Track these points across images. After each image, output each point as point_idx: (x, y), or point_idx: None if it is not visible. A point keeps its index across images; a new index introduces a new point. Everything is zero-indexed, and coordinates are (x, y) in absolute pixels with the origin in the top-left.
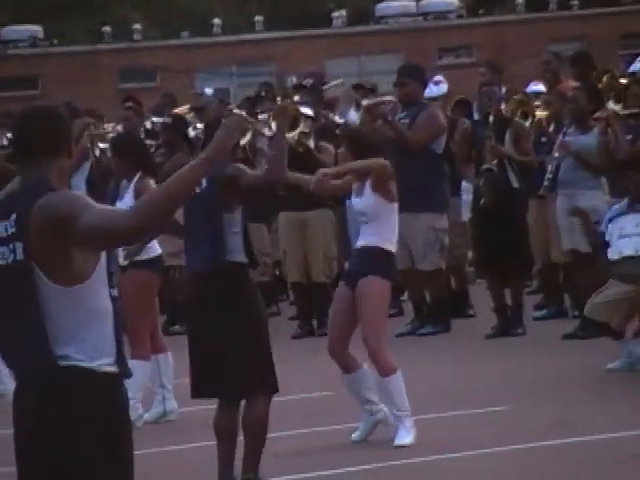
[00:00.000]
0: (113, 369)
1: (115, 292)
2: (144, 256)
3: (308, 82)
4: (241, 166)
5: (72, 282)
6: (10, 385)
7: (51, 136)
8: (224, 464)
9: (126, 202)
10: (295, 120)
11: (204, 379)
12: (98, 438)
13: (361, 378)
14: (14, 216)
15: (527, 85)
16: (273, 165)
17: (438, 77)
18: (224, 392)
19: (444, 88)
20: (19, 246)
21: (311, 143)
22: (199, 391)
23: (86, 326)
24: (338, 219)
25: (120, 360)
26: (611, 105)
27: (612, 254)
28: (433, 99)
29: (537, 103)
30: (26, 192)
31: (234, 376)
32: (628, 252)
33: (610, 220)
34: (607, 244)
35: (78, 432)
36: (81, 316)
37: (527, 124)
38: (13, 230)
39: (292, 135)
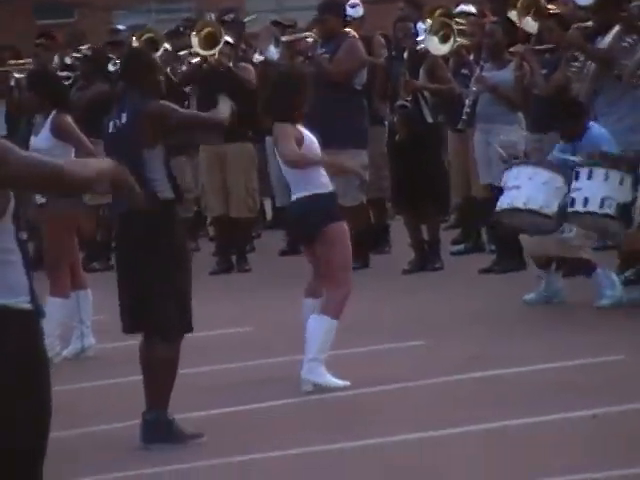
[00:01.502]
0: (28, 306)
1: (24, 235)
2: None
3: (229, 17)
4: (166, 103)
5: None
6: None
7: None
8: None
9: (42, 138)
10: (215, 40)
11: (129, 314)
12: (15, 375)
13: None
14: None
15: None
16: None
17: (354, 0)
18: (146, 328)
19: (360, 11)
20: None
21: (230, 64)
22: (125, 327)
23: None
24: (259, 156)
25: (33, 299)
26: (529, 21)
27: (498, 206)
28: (349, 21)
29: (461, 22)
30: None
31: (150, 313)
32: (504, 205)
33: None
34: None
35: None
36: None
37: (446, 47)
38: None
39: (212, 52)
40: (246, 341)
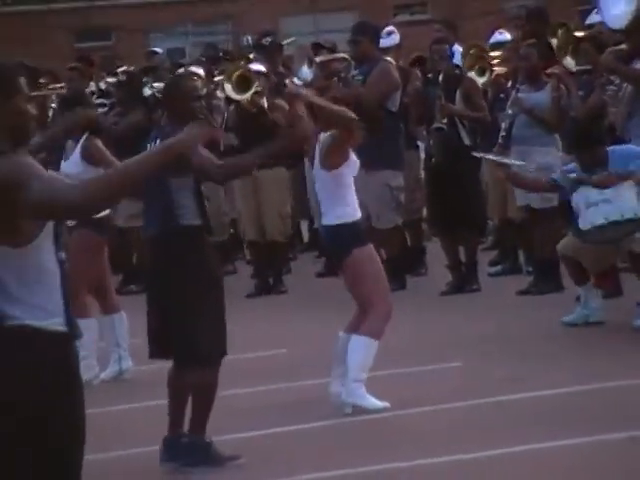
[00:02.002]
0: (62, 328)
1: (62, 255)
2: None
3: (267, 40)
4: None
5: (16, 243)
6: None
7: None
8: (173, 421)
9: (72, 162)
10: (247, 81)
11: (158, 341)
12: (48, 397)
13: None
14: None
15: (492, 34)
16: (232, 170)
17: (389, 28)
18: (175, 354)
19: (396, 38)
20: None
21: (264, 102)
22: (153, 352)
23: (33, 288)
24: (293, 178)
25: (69, 321)
26: (568, 60)
27: (583, 224)
28: (385, 50)
29: (496, 54)
30: None
31: (184, 339)
32: (599, 221)
33: (573, 190)
34: (571, 208)
35: (26, 390)
36: (27, 278)
37: (484, 80)
38: None
39: (245, 97)
40: (282, 363)
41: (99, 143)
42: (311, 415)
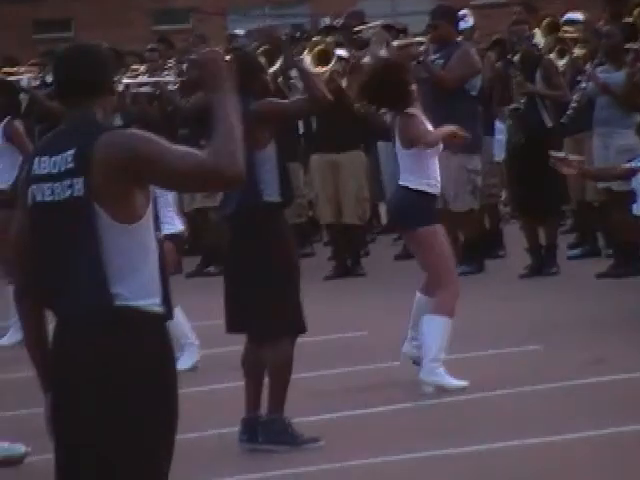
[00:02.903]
0: (160, 310)
1: (160, 234)
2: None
3: (338, 22)
4: (267, 99)
5: (129, 220)
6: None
7: (94, 74)
8: (250, 403)
9: None
10: (327, 57)
11: (235, 315)
12: (150, 376)
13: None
14: (72, 152)
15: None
16: (305, 89)
17: (463, 11)
18: (252, 330)
19: (470, 21)
20: (78, 182)
21: (343, 83)
22: (231, 327)
23: (138, 266)
24: (370, 161)
25: (166, 301)
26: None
27: (637, 210)
28: (460, 33)
29: (571, 30)
30: (80, 130)
31: (260, 316)
32: None
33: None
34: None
35: (132, 371)
36: (134, 255)
37: (564, 62)
38: (71, 166)
39: (323, 71)
40: (360, 345)
41: (19, 125)
42: (391, 397)
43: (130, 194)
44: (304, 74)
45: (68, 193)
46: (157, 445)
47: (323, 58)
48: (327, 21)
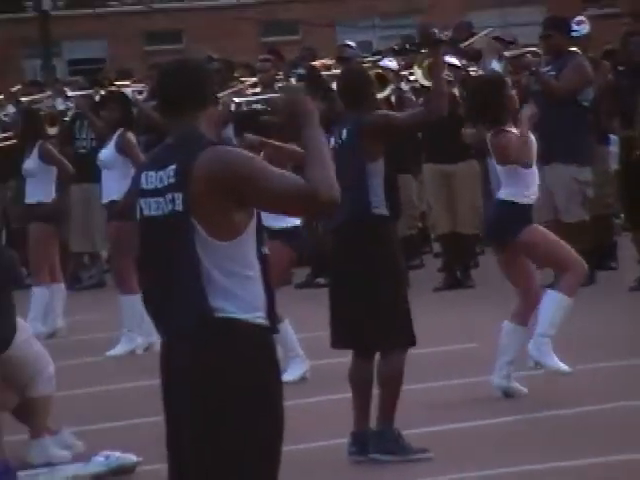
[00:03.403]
0: (264, 322)
1: (265, 250)
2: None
3: (447, 35)
4: (379, 112)
5: (227, 237)
6: (155, 338)
7: (197, 88)
8: (359, 415)
9: (108, 151)
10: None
11: (342, 331)
12: (255, 387)
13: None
14: (173, 167)
15: None
16: (432, 96)
17: (580, 17)
18: (360, 344)
19: (586, 28)
20: (178, 197)
21: (456, 91)
22: (337, 342)
23: (238, 281)
24: (482, 170)
25: (270, 315)
26: None
27: None
28: (575, 40)
29: None
30: (183, 145)
31: (369, 329)
32: None
33: None
34: None
35: (236, 381)
36: (233, 270)
37: None
38: (172, 181)
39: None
40: (470, 358)
41: (132, 137)
42: (500, 410)
43: (228, 211)
44: (440, 81)
45: (170, 208)
46: (262, 455)
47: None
48: (436, 32)
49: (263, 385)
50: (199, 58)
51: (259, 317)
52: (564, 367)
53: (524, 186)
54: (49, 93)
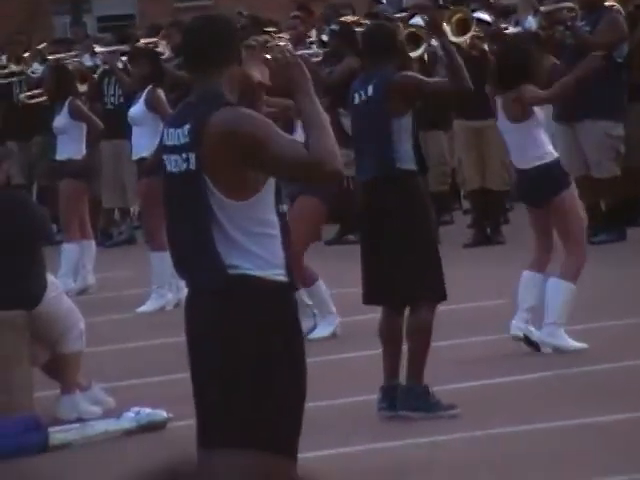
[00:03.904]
0: (284, 279)
1: (284, 207)
2: None
3: None
4: (410, 73)
5: (242, 196)
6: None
7: (220, 45)
8: (389, 371)
9: (138, 108)
10: (465, 24)
11: (374, 286)
12: (274, 342)
13: None
14: (188, 126)
15: None
16: (449, 74)
17: None
18: (391, 299)
19: None
20: (192, 156)
21: (486, 47)
22: (369, 298)
23: (255, 239)
24: None
25: (289, 272)
26: None
27: None
28: None
29: None
30: (200, 104)
31: (400, 283)
32: None
33: None
34: None
35: (254, 336)
36: (250, 229)
37: None
38: (187, 140)
39: (464, 39)
40: (500, 314)
41: (161, 94)
42: (531, 366)
43: (242, 171)
44: (453, 60)
45: (185, 166)
46: (283, 410)
47: (462, 26)
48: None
49: (283, 341)
50: (222, 14)
51: (279, 274)
52: (581, 345)
53: (543, 144)
54: (75, 52)
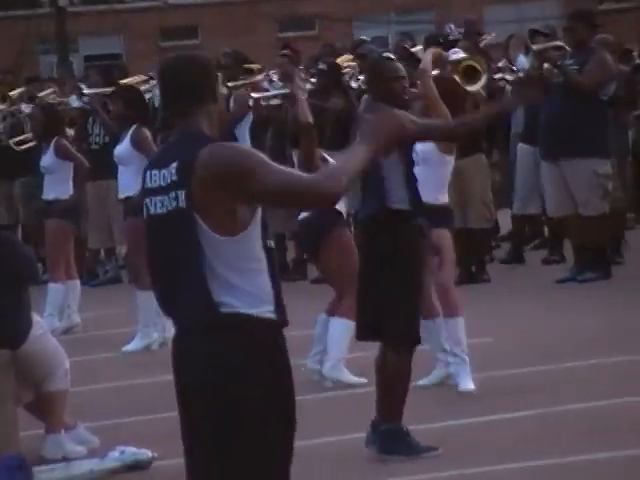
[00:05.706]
0: (273, 316)
1: (271, 243)
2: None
3: (460, 32)
4: (400, 112)
5: (232, 232)
6: (170, 333)
7: (192, 84)
8: (383, 409)
9: (123, 147)
10: (474, 73)
11: (365, 323)
12: (263, 381)
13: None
14: (175, 164)
15: None
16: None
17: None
18: (381, 336)
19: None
20: (181, 194)
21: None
22: (362, 334)
23: (244, 275)
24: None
25: (279, 309)
26: None
27: None
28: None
29: None
30: (185, 142)
31: (388, 322)
32: None
33: None
34: None
35: (243, 375)
36: (239, 265)
37: None
38: (175, 178)
39: (476, 88)
40: (486, 352)
41: (147, 133)
42: (512, 405)
43: (231, 206)
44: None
45: (173, 205)
46: (272, 448)
47: (471, 73)
48: (452, 27)
49: (272, 380)
50: (197, 54)
51: (267, 311)
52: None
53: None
54: (52, 89)
